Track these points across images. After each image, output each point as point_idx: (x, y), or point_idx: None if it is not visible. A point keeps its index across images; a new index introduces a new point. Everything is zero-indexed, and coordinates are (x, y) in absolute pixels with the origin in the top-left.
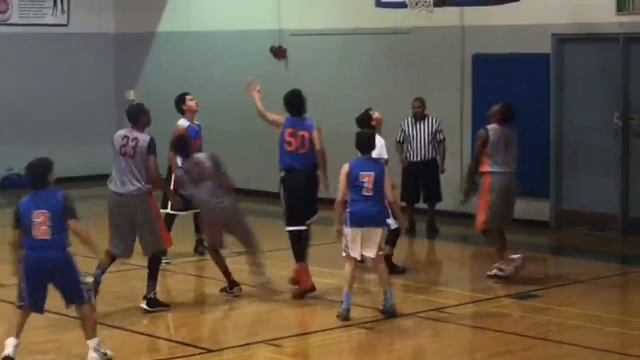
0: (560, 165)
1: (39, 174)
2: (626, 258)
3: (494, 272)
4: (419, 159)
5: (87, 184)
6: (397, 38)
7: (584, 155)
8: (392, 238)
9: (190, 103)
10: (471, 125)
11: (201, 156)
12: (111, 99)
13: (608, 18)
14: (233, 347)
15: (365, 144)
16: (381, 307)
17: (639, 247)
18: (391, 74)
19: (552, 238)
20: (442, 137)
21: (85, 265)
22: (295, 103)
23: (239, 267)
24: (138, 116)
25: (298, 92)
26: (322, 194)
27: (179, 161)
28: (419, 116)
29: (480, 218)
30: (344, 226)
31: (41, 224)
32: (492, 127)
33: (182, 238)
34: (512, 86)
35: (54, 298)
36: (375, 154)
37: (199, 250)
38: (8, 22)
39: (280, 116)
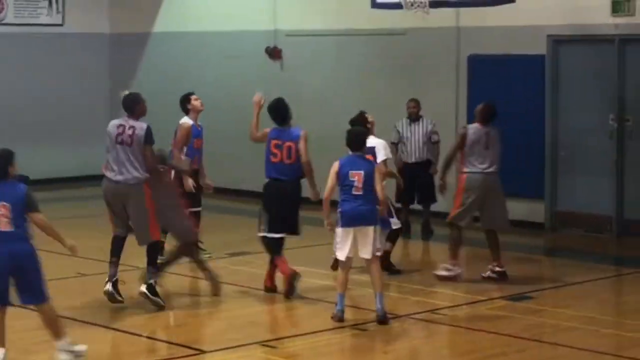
0: (555, 167)
1: (0, 165)
2: (621, 259)
3: (488, 273)
4: (413, 159)
5: (82, 184)
6: (393, 39)
7: (579, 156)
8: (392, 237)
9: (195, 102)
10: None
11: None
12: (106, 99)
13: (603, 19)
14: (227, 348)
15: (356, 141)
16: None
17: (633, 248)
18: (386, 75)
19: (547, 239)
20: (436, 138)
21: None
22: (279, 111)
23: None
24: (134, 105)
25: (282, 101)
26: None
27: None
28: (414, 117)
29: (452, 212)
30: (336, 225)
31: (2, 216)
32: (473, 126)
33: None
34: (508, 87)
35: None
36: (382, 156)
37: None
38: (3, 22)
39: (266, 129)
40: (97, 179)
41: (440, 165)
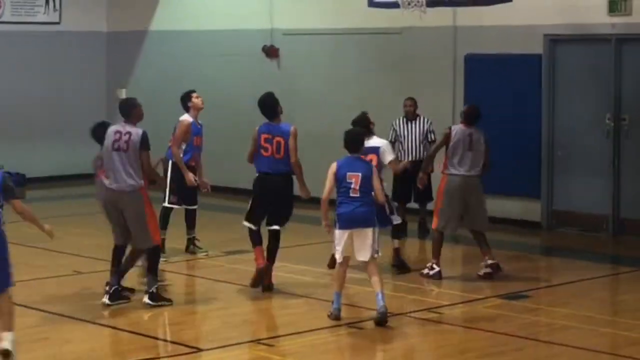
0: (552, 166)
1: None
2: (617, 258)
3: (483, 271)
4: (410, 158)
5: (78, 182)
6: (389, 38)
7: (576, 155)
8: (397, 234)
9: (196, 100)
10: None
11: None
12: (103, 97)
13: (600, 19)
14: (224, 347)
15: (354, 142)
16: (376, 314)
17: (629, 247)
18: (383, 74)
19: (543, 238)
20: (433, 137)
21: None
22: (268, 106)
23: (235, 266)
24: (130, 109)
25: (271, 95)
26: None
27: None
28: (410, 116)
29: (435, 218)
30: (334, 227)
31: None
32: (457, 127)
33: (174, 236)
34: (504, 86)
35: (51, 297)
36: (391, 155)
37: (190, 249)
38: (0, 20)
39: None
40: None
41: (424, 161)
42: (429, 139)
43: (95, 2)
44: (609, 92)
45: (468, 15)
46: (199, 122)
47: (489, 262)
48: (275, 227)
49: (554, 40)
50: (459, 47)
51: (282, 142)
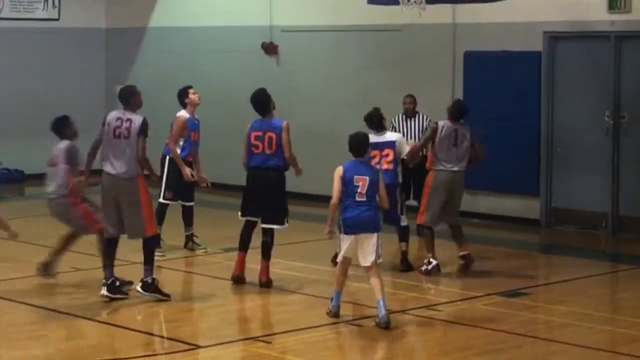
0: (551, 163)
1: None
2: (616, 256)
3: (458, 266)
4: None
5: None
6: (389, 35)
7: (575, 153)
8: (404, 236)
9: (193, 96)
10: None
11: (61, 145)
12: (102, 94)
13: (599, 16)
14: (222, 344)
15: (360, 146)
16: (376, 319)
17: (628, 244)
18: (382, 71)
19: (542, 236)
20: None
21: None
22: (261, 103)
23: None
24: (130, 97)
25: (263, 91)
26: (315, 191)
27: None
28: (410, 113)
29: (422, 214)
30: (338, 232)
31: None
32: (443, 122)
33: (173, 234)
34: (504, 83)
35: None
36: (407, 146)
37: (188, 245)
38: None
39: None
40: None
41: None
42: None
43: None
44: (609, 90)
45: (467, 13)
46: (196, 117)
47: (461, 253)
48: (270, 225)
49: (554, 38)
50: (459, 44)
51: (274, 137)
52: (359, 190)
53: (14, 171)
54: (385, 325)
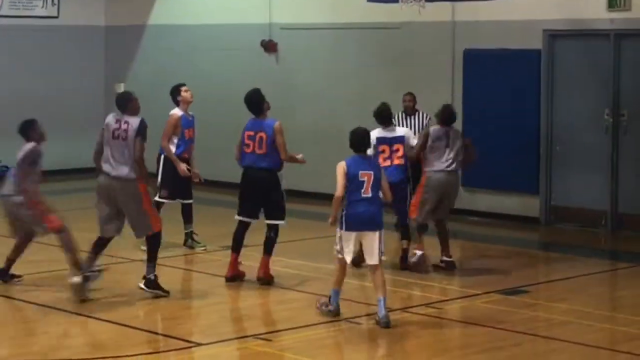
0: (550, 161)
1: None
2: (615, 253)
3: (438, 262)
4: None
5: (77, 177)
6: (388, 33)
7: (574, 151)
8: (405, 232)
9: (185, 94)
10: (461, 120)
11: (25, 146)
12: (101, 92)
13: (599, 14)
14: (222, 341)
15: (362, 141)
16: (376, 318)
17: (628, 242)
18: (381, 69)
19: (542, 234)
20: None
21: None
22: (254, 102)
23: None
24: (127, 103)
25: (257, 92)
26: (315, 189)
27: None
28: (409, 110)
29: (414, 210)
30: (338, 229)
31: None
32: (434, 127)
33: (172, 231)
34: (503, 81)
35: (49, 291)
36: (414, 142)
37: (188, 243)
38: None
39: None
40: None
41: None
42: None
43: None
44: (608, 88)
45: (467, 11)
46: (190, 114)
47: (445, 258)
48: (272, 222)
49: (553, 36)
50: (458, 42)
51: (265, 137)
52: (364, 185)
53: (12, 168)
54: (385, 325)
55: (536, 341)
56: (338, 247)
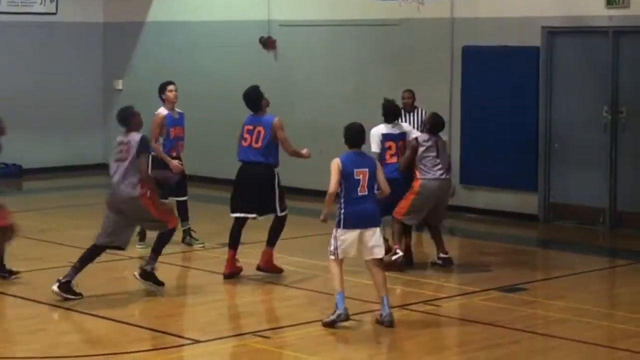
0: (549, 158)
1: None
2: (614, 251)
3: (435, 260)
4: None
5: (75, 173)
6: (387, 29)
7: (573, 148)
8: (408, 228)
9: (169, 94)
10: (460, 117)
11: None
12: (99, 89)
13: (598, 11)
14: (220, 338)
15: (357, 137)
16: (378, 317)
17: (626, 240)
18: (380, 66)
19: (540, 231)
20: None
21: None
22: (252, 99)
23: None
24: (130, 118)
25: (256, 89)
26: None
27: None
28: (408, 107)
29: (400, 211)
30: (335, 228)
31: None
32: (422, 136)
33: None
34: (502, 78)
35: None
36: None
37: (186, 240)
38: None
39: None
40: (90, 168)
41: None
42: None
43: None
44: (607, 85)
45: (465, 7)
46: (179, 112)
47: (442, 255)
48: (275, 214)
49: (552, 33)
50: (457, 39)
51: (263, 132)
52: (360, 183)
53: (12, 165)
54: (389, 324)
55: (534, 339)
56: (332, 247)
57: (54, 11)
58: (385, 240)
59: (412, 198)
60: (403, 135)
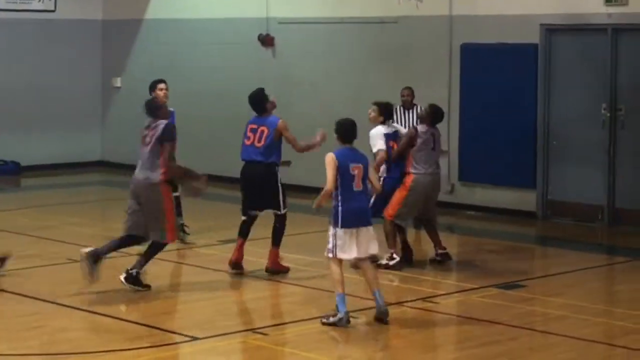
0: (547, 155)
1: None
2: (612, 248)
3: (433, 256)
4: None
5: (73, 171)
6: (385, 27)
7: (571, 145)
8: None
9: (159, 92)
10: (458, 114)
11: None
12: (98, 86)
13: (596, 9)
14: (219, 335)
15: (351, 132)
16: (377, 311)
17: (624, 237)
18: (379, 63)
19: (539, 228)
20: None
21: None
22: (257, 102)
23: (230, 255)
24: (156, 111)
25: (261, 91)
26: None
27: None
28: (408, 105)
29: (392, 209)
30: (333, 226)
31: None
32: (421, 127)
33: None
34: (500, 76)
35: (44, 285)
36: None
37: (179, 236)
38: None
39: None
40: (88, 166)
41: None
42: None
43: None
44: (605, 82)
45: (464, 5)
46: (170, 109)
47: (440, 251)
48: (273, 211)
49: (551, 30)
50: (455, 37)
51: (266, 131)
52: (355, 179)
53: (10, 163)
54: (386, 315)
55: (533, 335)
56: (330, 245)
57: (52, 8)
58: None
59: (405, 194)
60: (396, 134)
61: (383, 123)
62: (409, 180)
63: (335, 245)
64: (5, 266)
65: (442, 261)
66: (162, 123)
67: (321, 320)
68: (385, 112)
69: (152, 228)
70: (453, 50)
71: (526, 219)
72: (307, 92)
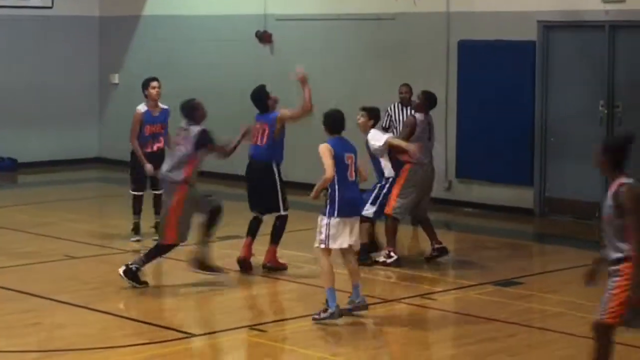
0: (545, 153)
1: None
2: None
3: (430, 252)
4: None
5: (70, 167)
6: (382, 24)
7: (569, 142)
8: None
9: (152, 90)
10: (456, 111)
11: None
12: (95, 82)
13: (594, 5)
14: (217, 332)
15: (340, 122)
16: (349, 305)
17: None
18: (376, 60)
19: (536, 225)
20: None
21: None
22: (258, 99)
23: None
24: (193, 112)
25: (262, 88)
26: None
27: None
28: (406, 102)
29: (392, 204)
30: (327, 216)
31: None
32: (418, 116)
33: None
34: (498, 73)
35: (42, 281)
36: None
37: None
38: None
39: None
40: (86, 162)
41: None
42: None
43: None
44: (603, 79)
45: (462, 2)
46: (163, 107)
47: (436, 246)
48: (278, 213)
49: (548, 27)
50: (453, 34)
51: (267, 129)
52: (349, 168)
53: (7, 159)
54: (365, 307)
55: (530, 332)
56: (322, 236)
57: (49, 5)
58: (374, 241)
59: (402, 184)
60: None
61: (373, 127)
62: (405, 170)
63: (328, 236)
64: None
65: (439, 255)
66: (195, 127)
67: (313, 318)
68: (374, 116)
69: (160, 227)
70: (450, 47)
71: (524, 216)
72: None
